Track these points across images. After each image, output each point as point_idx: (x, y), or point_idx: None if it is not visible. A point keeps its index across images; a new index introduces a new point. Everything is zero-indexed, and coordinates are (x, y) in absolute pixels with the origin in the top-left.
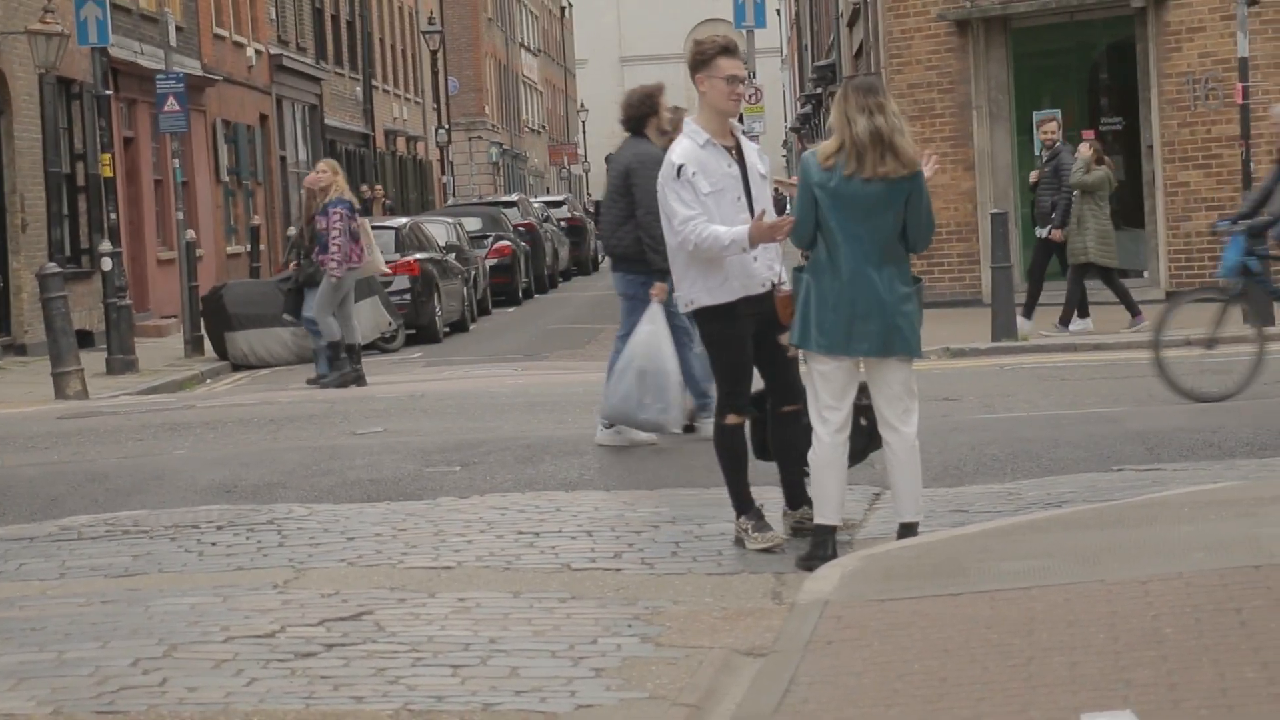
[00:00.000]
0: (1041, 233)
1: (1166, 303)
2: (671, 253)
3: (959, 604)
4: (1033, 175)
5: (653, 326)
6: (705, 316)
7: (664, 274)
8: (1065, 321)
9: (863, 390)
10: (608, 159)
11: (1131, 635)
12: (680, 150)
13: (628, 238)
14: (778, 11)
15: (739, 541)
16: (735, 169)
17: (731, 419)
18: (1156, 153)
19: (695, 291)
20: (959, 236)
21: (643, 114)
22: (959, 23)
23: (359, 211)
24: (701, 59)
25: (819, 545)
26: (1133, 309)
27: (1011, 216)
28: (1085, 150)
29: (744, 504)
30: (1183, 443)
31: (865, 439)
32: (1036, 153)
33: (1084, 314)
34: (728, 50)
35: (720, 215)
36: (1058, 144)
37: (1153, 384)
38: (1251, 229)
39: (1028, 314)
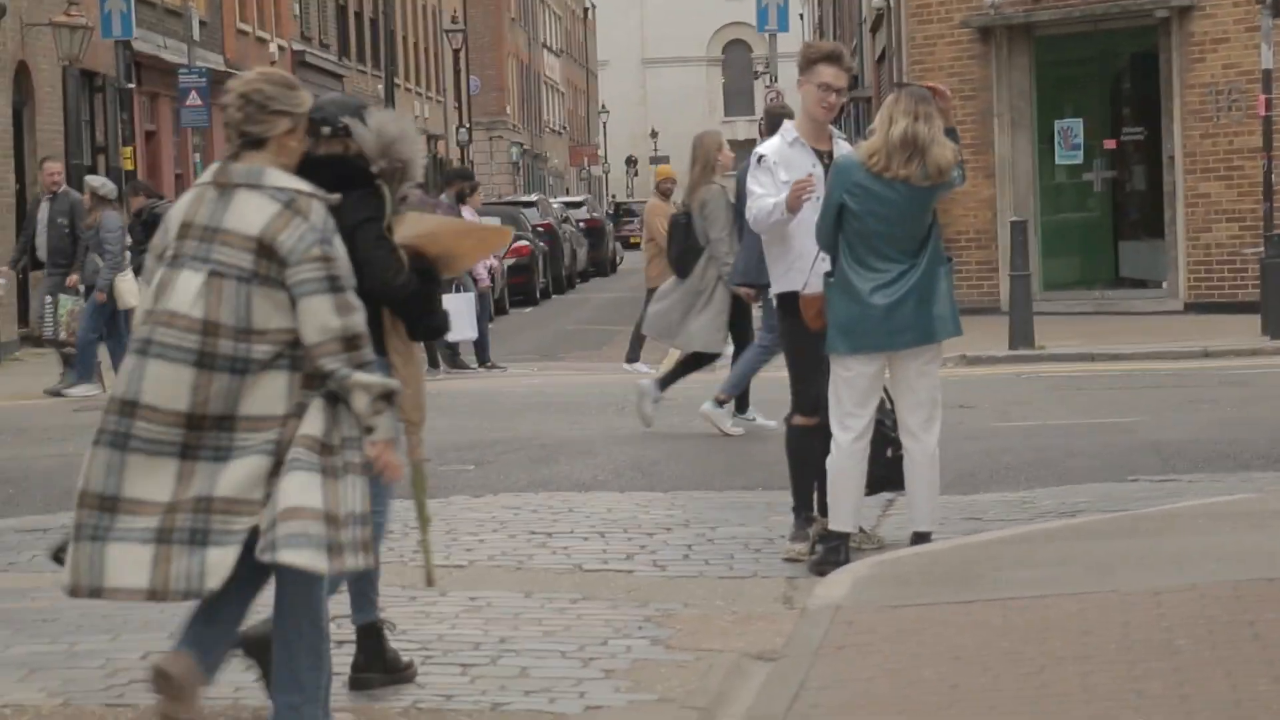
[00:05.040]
0: None
1: None
2: (766, 246)
3: (971, 611)
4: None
5: None
6: (781, 310)
7: None
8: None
9: (889, 417)
10: None
11: (1144, 645)
12: (766, 144)
13: None
14: (801, 16)
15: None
16: (819, 170)
17: (799, 420)
18: (1178, 163)
19: (775, 280)
20: (978, 244)
21: None
22: (982, 30)
23: None
24: (805, 62)
25: (832, 550)
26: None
27: (1031, 225)
28: None
29: (798, 505)
30: (1198, 454)
31: (886, 470)
32: (1057, 162)
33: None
34: (830, 58)
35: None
36: None
37: (1168, 394)
38: None
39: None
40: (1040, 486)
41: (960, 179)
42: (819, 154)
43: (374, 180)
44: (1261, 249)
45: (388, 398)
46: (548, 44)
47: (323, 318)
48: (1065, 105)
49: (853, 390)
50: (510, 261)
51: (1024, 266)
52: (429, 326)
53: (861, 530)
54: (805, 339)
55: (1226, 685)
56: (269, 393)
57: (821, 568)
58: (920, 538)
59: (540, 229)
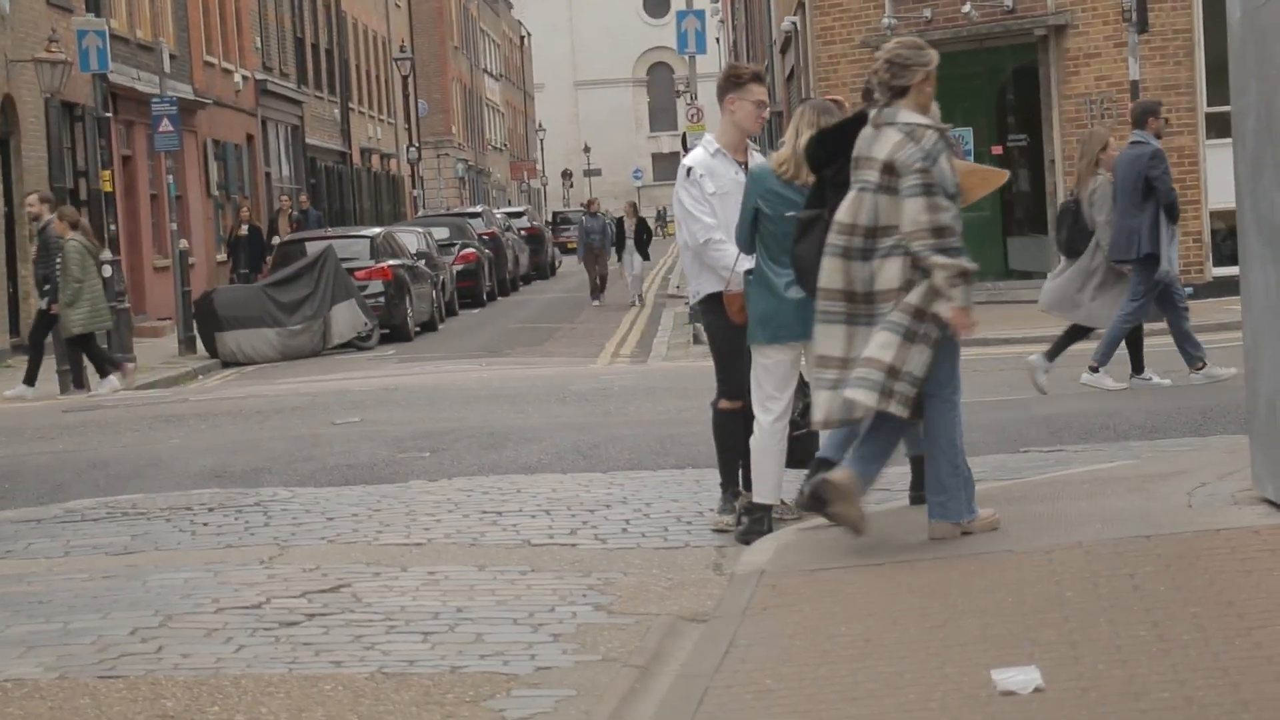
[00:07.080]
0: (41, 305)
1: None
2: (684, 248)
3: (882, 573)
4: (34, 251)
5: None
6: (706, 307)
7: None
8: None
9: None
10: None
11: (1037, 599)
12: (692, 156)
13: None
14: (717, 40)
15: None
16: (741, 177)
17: (724, 404)
18: (1057, 166)
19: (701, 283)
20: None
21: None
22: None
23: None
24: (737, 81)
25: (757, 521)
26: (111, 365)
27: None
28: (58, 226)
29: (725, 481)
30: (1082, 426)
31: (805, 449)
32: None
33: (104, 373)
34: (759, 78)
35: (724, 215)
36: (45, 218)
37: (1055, 373)
38: None
39: (29, 381)
40: None
41: None
42: (737, 162)
43: None
44: None
45: (964, 275)
46: (488, 69)
47: (914, 213)
48: (956, 115)
49: (772, 376)
50: (459, 267)
51: None
52: None
53: (783, 502)
54: (728, 332)
55: (1110, 632)
56: (891, 273)
57: (747, 537)
58: None
59: (485, 237)
